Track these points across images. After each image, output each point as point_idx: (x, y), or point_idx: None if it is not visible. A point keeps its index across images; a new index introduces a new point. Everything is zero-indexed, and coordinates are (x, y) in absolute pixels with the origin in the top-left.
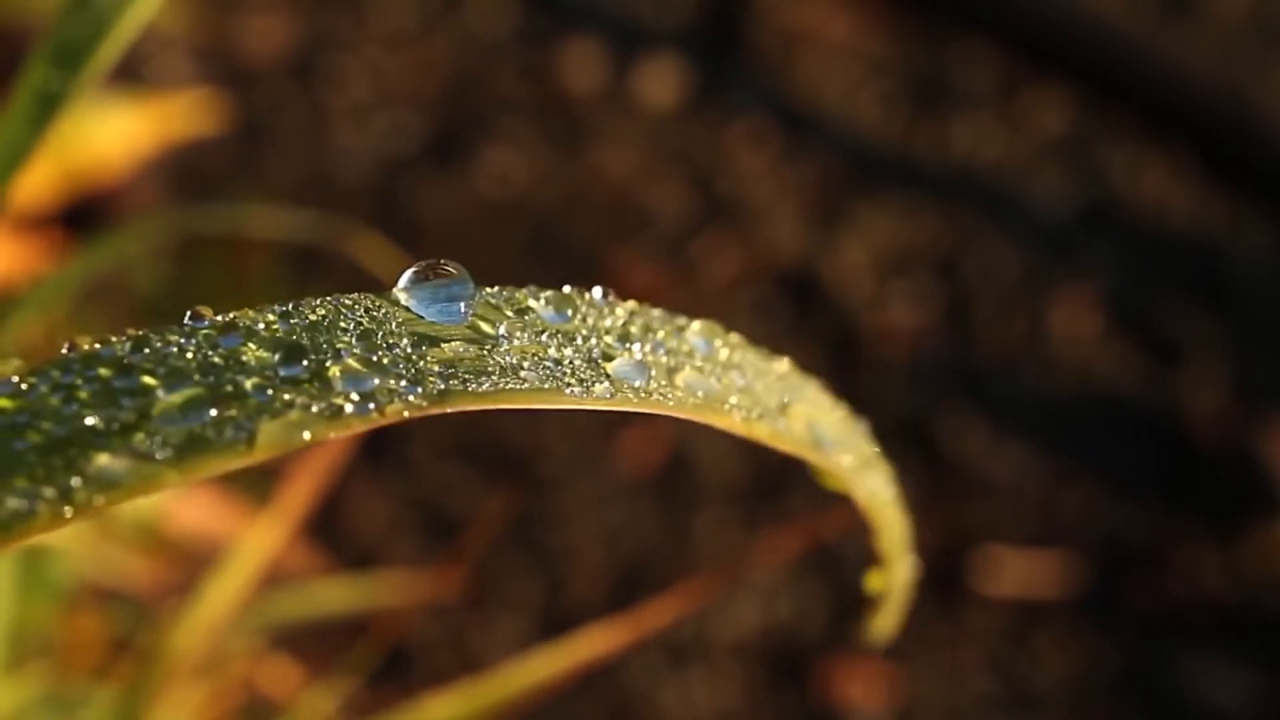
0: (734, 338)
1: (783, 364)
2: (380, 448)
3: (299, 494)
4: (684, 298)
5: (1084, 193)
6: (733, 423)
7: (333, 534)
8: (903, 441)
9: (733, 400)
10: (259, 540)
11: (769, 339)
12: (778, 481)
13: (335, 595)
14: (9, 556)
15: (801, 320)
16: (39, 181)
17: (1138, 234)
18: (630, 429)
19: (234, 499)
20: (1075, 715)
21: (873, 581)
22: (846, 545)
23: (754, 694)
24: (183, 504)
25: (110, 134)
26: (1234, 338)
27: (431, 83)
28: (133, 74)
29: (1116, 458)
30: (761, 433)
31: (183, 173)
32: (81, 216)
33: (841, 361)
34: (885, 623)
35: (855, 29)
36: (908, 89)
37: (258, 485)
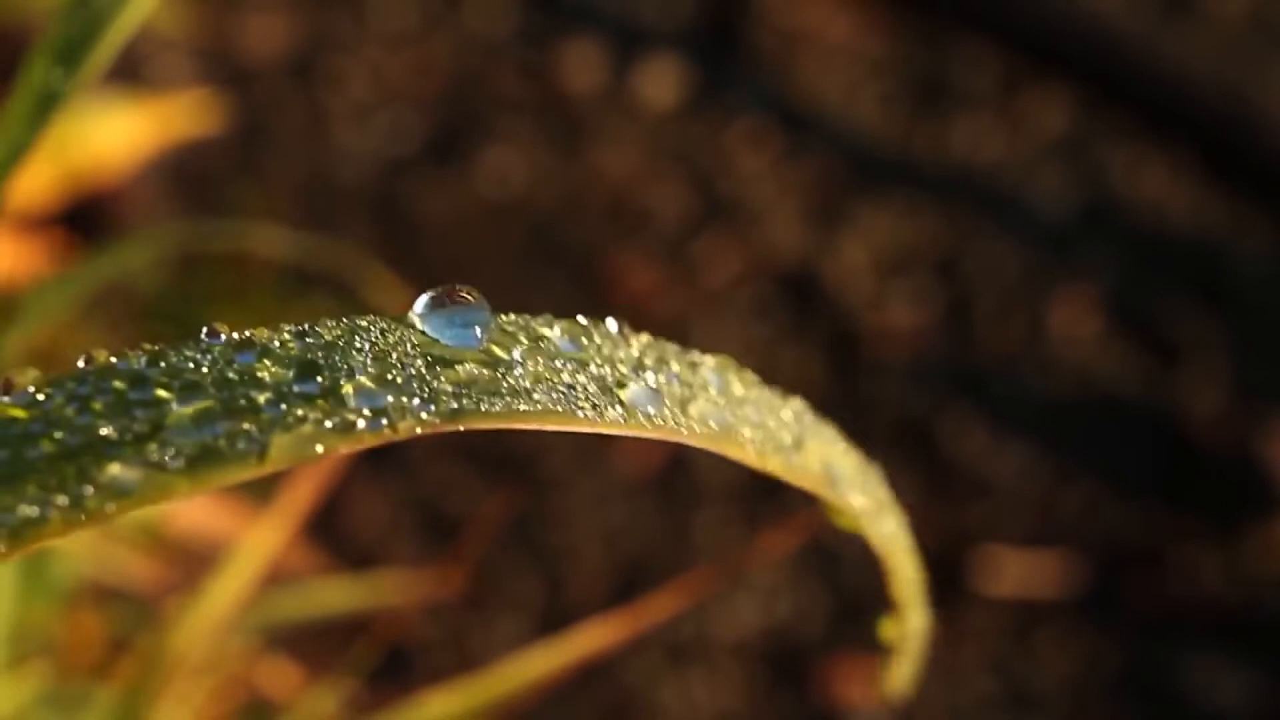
0: (748, 375)
1: (796, 404)
2: (380, 449)
3: (300, 495)
4: (684, 298)
5: (1084, 193)
6: (747, 454)
7: (333, 534)
8: (903, 441)
9: (746, 433)
10: (260, 540)
11: (769, 339)
12: (777, 481)
13: (335, 595)
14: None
15: (801, 320)
16: (40, 182)
17: (1138, 234)
18: None
19: (235, 500)
20: (1075, 715)
21: (886, 630)
22: (846, 545)
23: (754, 694)
24: (184, 505)
25: (111, 135)
26: (1234, 338)
27: (431, 83)
28: (133, 74)
29: (1116, 458)
30: (775, 465)
31: (183, 173)
32: (82, 217)
33: (841, 361)
34: (902, 671)
35: (855, 29)
36: (908, 89)
37: (259, 486)
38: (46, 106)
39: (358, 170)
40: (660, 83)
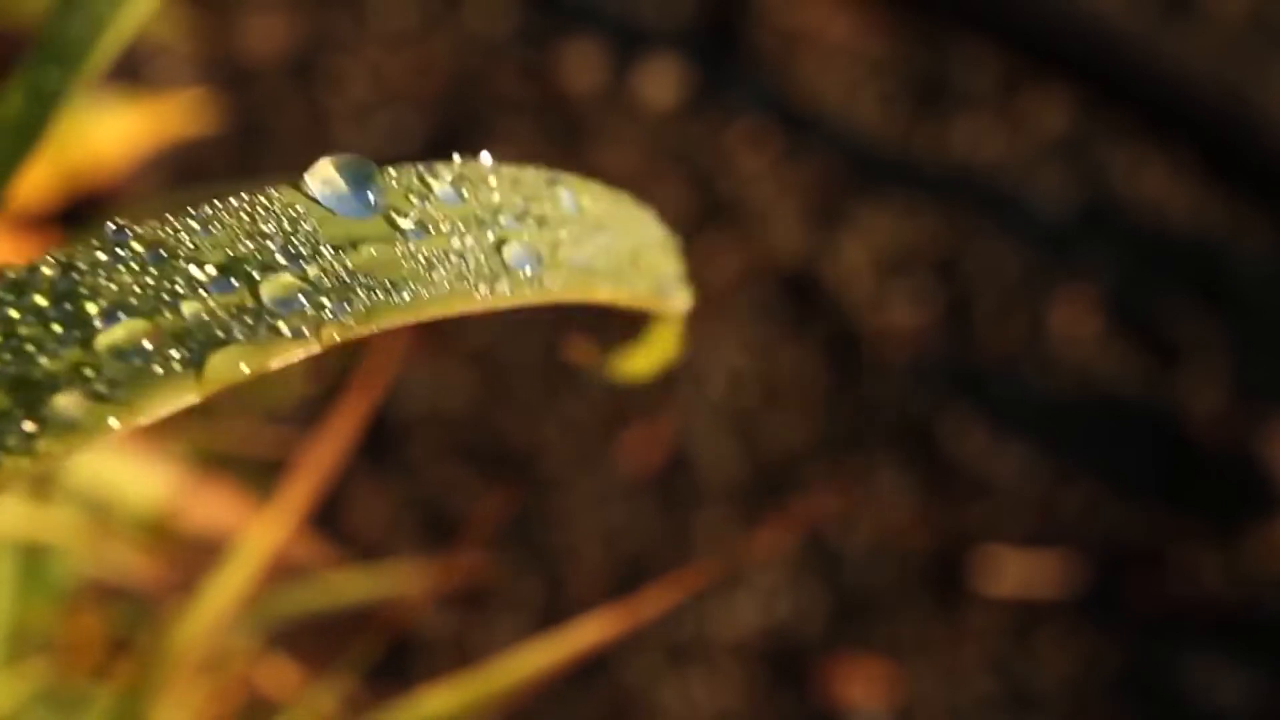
0: (595, 188)
1: (625, 202)
2: (381, 448)
3: (300, 491)
4: None
5: (1084, 193)
6: (603, 295)
7: (333, 535)
8: (903, 441)
9: (601, 266)
10: (260, 538)
11: (769, 339)
12: (778, 481)
13: (333, 593)
14: (9, 553)
15: (801, 320)
16: (37, 181)
17: (1138, 234)
18: (630, 429)
19: (237, 497)
20: (1075, 715)
21: (634, 359)
22: (846, 544)
23: (754, 694)
24: (186, 501)
25: (109, 133)
26: (1234, 338)
27: (431, 83)
28: (132, 74)
29: (1116, 458)
30: (624, 297)
31: (182, 172)
32: (80, 216)
33: (841, 361)
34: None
35: (855, 29)
36: (908, 89)
37: (260, 482)
38: (45, 108)
39: None
40: (660, 83)
